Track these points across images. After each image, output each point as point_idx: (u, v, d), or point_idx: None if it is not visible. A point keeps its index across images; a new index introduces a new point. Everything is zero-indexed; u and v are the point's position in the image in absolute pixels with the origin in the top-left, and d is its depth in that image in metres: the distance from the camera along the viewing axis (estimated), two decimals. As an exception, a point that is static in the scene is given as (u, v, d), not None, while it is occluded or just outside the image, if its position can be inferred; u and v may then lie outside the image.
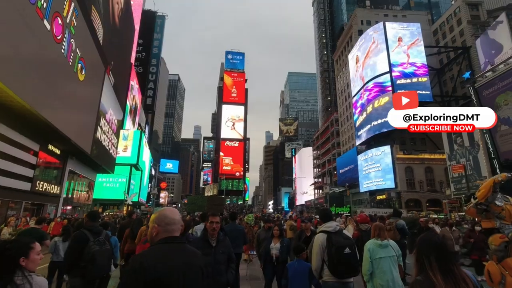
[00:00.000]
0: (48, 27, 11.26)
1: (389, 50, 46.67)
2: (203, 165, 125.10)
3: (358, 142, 53.97)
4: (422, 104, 48.19)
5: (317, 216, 20.59)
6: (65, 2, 12.70)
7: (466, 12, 51.37)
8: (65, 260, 3.79)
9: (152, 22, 79.92)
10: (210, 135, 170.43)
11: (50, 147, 15.83)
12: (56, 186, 17.03)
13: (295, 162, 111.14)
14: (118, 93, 28.33)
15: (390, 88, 45.25)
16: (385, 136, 48.59)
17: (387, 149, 45.29)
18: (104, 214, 31.40)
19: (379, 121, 46.00)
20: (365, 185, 49.86)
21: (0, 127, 11.27)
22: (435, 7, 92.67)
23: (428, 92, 45.44)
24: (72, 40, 13.90)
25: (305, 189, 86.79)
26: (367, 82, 49.61)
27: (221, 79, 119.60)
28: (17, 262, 1.82)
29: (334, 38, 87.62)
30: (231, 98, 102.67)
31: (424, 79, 46.03)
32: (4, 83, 9.03)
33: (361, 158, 51.51)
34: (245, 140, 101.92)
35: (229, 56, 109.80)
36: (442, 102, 51.94)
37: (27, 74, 10.41)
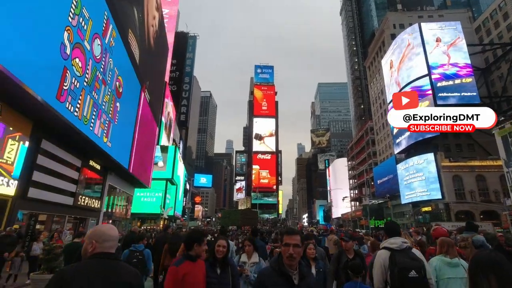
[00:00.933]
0: (88, 47, 11.83)
1: (427, 52, 44.12)
2: (236, 179, 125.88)
3: (396, 151, 50.93)
4: (472, 105, 44.56)
5: (360, 231, 19.30)
6: (104, 24, 13.39)
7: (512, 5, 47.39)
8: None
9: (184, 43, 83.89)
10: (242, 148, 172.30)
11: (91, 162, 16.52)
12: (96, 201, 17.65)
13: (329, 174, 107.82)
14: (154, 110, 29.44)
15: (430, 92, 42.47)
16: (426, 143, 45.34)
17: (430, 156, 42.09)
18: (142, 228, 32.22)
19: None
20: (407, 196, 46.49)
21: (47, 145, 11.88)
22: (474, 4, 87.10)
23: (475, 94, 41.92)
24: (110, 60, 14.57)
25: (341, 201, 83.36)
26: (404, 87, 47.07)
27: (251, 93, 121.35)
28: None
29: (365, 44, 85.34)
30: (262, 111, 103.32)
31: (469, 79, 42.64)
32: (52, 105, 9.48)
33: (401, 167, 48.38)
34: (277, 153, 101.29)
35: (259, 70, 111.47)
36: (491, 103, 47.61)
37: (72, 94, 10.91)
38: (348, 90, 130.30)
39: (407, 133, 46.74)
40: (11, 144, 9.73)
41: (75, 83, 11.05)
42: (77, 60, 10.99)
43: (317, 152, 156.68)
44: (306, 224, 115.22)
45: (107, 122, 14.93)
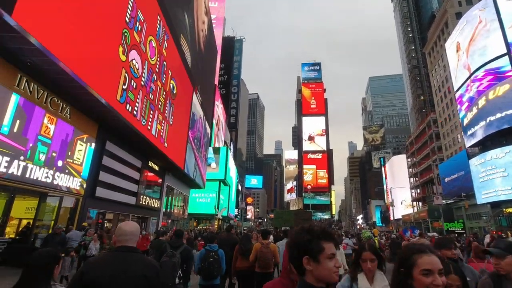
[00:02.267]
0: (144, 49, 12.07)
1: (505, 27, 38.14)
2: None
3: (468, 144, 44.93)
4: None
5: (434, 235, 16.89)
6: (158, 27, 13.65)
7: None
8: None
9: (231, 47, 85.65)
10: (291, 148, 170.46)
11: (150, 163, 17.10)
12: (156, 200, 18.25)
13: (385, 172, 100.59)
14: (205, 112, 30.06)
15: (511, 73, 36.59)
16: (506, 134, 39.09)
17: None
18: (198, 228, 33.06)
19: (498, 115, 37.39)
20: (484, 196, 40.55)
21: (111, 146, 12.41)
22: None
23: None
24: (164, 62, 14.87)
25: (401, 201, 76.83)
26: (476, 71, 41.34)
27: (299, 91, 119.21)
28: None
29: (423, 30, 77.63)
30: (311, 110, 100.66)
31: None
32: (113, 105, 9.74)
33: (475, 162, 42.48)
34: (328, 151, 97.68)
35: (306, 68, 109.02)
36: None
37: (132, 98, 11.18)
38: (403, 82, 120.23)
39: (482, 123, 40.93)
40: (80, 145, 10.23)
41: (133, 84, 11.30)
42: (134, 61, 11.23)
43: (370, 150, 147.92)
44: (362, 224, 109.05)
45: (163, 122, 15.26)
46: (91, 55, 8.67)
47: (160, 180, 19.34)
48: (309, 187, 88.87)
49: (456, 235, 31.79)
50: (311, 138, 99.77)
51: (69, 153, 9.74)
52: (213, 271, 5.10)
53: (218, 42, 54.66)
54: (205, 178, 30.74)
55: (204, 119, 29.07)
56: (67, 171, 9.66)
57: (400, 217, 73.49)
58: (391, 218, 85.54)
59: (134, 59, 11.29)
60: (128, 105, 10.99)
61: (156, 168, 18.25)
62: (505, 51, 37.68)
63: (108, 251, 1.99)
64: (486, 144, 42.34)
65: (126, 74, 10.63)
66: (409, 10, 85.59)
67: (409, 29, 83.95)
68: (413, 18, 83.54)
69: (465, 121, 45.26)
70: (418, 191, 69.18)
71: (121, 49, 10.15)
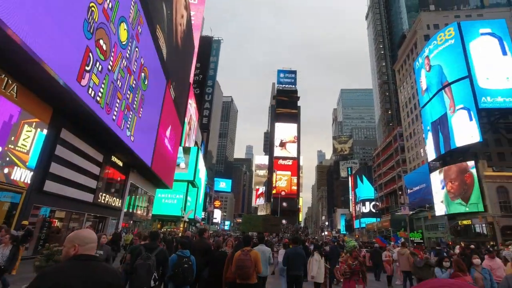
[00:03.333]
0: (114, 30, 10.88)
1: (469, 51, 41.01)
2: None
3: (430, 158, 47.49)
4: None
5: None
6: (131, 9, 12.48)
7: None
8: (123, 269, 4.91)
9: (208, 47, 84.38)
10: (262, 154, 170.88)
11: (114, 158, 15.62)
12: (117, 199, 16.71)
13: (352, 182, 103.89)
14: (178, 109, 28.69)
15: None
16: (464, 151, 41.85)
17: (470, 165, 38.62)
18: (162, 230, 31.37)
19: (458, 132, 39.95)
20: (442, 208, 42.91)
21: (68, 135, 10.96)
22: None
23: (522, 98, 38.25)
24: (137, 48, 13.66)
25: (365, 211, 79.53)
26: (443, 88, 43.96)
27: (273, 98, 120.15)
28: None
29: (393, 48, 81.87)
30: (284, 117, 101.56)
31: (515, 82, 39.04)
32: (73, 88, 8.48)
33: (435, 176, 44.91)
34: (298, 159, 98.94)
35: (281, 75, 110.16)
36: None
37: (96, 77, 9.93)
38: (373, 96, 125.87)
39: (441, 140, 43.46)
40: (27, 131, 8.79)
41: (98, 67, 10.06)
42: (101, 41, 10.01)
43: (339, 160, 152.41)
44: (325, 233, 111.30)
45: (131, 114, 13.96)
46: (48, 27, 7.42)
47: (123, 177, 17.80)
48: (283, 193, 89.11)
49: (416, 244, 32.98)
50: (282, 144, 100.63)
51: (12, 138, 8.27)
52: (188, 277, 5.00)
53: (196, 40, 53.27)
54: (173, 178, 29.22)
55: (177, 116, 27.70)
56: (8, 159, 8.19)
57: (364, 225, 75.82)
58: (355, 226, 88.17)
59: (102, 39, 10.06)
60: (90, 89, 9.72)
61: (120, 164, 16.76)
62: (466, 74, 40.45)
63: (73, 260, 1.81)
64: (446, 159, 44.99)
65: (90, 54, 9.40)
66: (382, 28, 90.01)
67: (381, 46, 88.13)
68: (385, 36, 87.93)
69: (429, 137, 47.84)
70: (381, 201, 72.03)
71: (86, 25, 8.93)
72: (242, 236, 7.05)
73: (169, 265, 4.98)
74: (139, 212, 23.02)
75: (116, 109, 12.01)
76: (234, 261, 4.92)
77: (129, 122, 13.83)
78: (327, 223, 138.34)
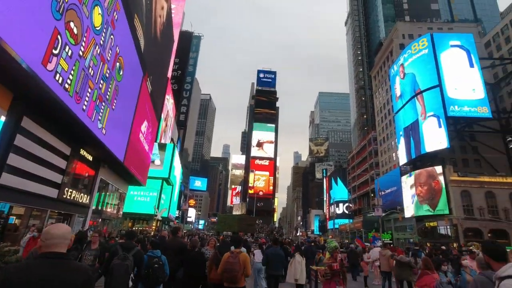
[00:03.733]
0: (87, 13, 10.09)
1: (440, 62, 43.09)
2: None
3: (402, 162, 49.46)
4: (482, 120, 43.38)
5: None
6: (107, -8, 11.68)
7: (525, 21, 46.78)
8: (100, 269, 4.60)
9: (188, 42, 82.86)
10: (239, 153, 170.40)
11: (82, 152, 14.59)
12: (85, 196, 15.67)
13: (327, 184, 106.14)
14: (155, 104, 27.65)
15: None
16: (433, 156, 44.03)
17: (438, 169, 40.62)
18: (133, 229, 30.17)
19: (428, 138, 41.86)
20: (410, 210, 44.84)
21: (30, 124, 10.01)
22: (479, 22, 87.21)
23: (486, 109, 40.77)
24: (112, 36, 12.82)
25: (338, 212, 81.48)
26: (416, 95, 45.88)
27: (252, 97, 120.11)
28: None
29: (371, 55, 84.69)
30: (262, 117, 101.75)
31: (481, 94, 41.59)
32: (37, 72, 7.68)
33: (405, 179, 46.87)
34: (275, 159, 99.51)
35: (261, 75, 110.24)
36: (499, 118, 46.61)
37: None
38: (349, 101, 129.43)
39: (412, 145, 45.41)
40: (-19, 117, 7.88)
41: (68, 51, 9.24)
42: (72, 24, 9.21)
43: (314, 161, 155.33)
44: (299, 233, 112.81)
45: (103, 105, 13.09)
46: (10, 4, 6.64)
47: (92, 173, 16.74)
48: (261, 193, 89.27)
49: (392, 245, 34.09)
50: (260, 145, 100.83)
51: (-37, 125, 7.38)
52: (159, 277, 4.94)
53: (175, 34, 51.90)
54: (147, 175, 28.09)
55: (153, 110, 26.66)
56: (-43, 148, 7.28)
57: (338, 226, 77.59)
58: (328, 227, 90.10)
59: (73, 21, 9.26)
60: (58, 75, 8.90)
61: (90, 158, 15.70)
62: (437, 83, 42.50)
63: (38, 258, 1.70)
64: (416, 164, 47.09)
65: (59, 37, 8.59)
66: (360, 35, 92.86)
67: (359, 52, 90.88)
68: (363, 43, 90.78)
69: (401, 142, 49.81)
70: (354, 203, 74.11)
71: (54, 4, 8.15)
72: (231, 236, 7.00)
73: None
74: (109, 209, 21.87)
75: (87, 98, 11.16)
76: (222, 264, 4.75)
77: (101, 114, 12.97)
78: (302, 223, 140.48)
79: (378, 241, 19.09)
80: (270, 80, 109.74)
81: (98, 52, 11.63)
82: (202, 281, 5.55)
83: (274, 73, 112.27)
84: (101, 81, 12.56)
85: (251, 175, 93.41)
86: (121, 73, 14.85)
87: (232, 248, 5.07)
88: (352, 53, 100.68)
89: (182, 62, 77.38)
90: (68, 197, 13.56)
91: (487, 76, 49.62)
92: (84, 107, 11.14)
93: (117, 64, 14.16)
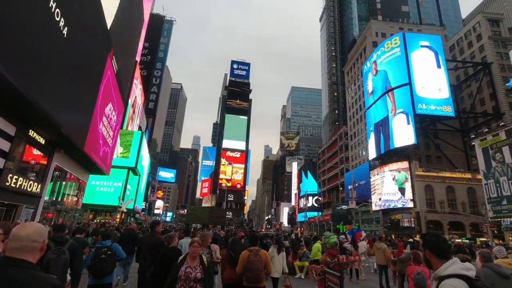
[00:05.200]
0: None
1: (410, 61, 44.49)
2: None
3: (370, 157, 50.94)
4: (445, 119, 45.71)
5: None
6: None
7: (486, 27, 49.72)
8: None
9: (159, 26, 78.77)
10: (210, 145, 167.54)
11: (32, 133, 12.52)
12: (36, 184, 13.60)
13: (297, 177, 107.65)
14: (120, 87, 25.30)
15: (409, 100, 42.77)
16: (399, 152, 45.78)
17: (404, 165, 42.23)
18: (95, 221, 27.82)
19: (397, 134, 43.29)
20: (377, 203, 46.44)
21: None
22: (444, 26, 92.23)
23: (450, 108, 42.90)
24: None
25: (308, 205, 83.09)
26: (387, 92, 47.13)
27: (225, 88, 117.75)
28: None
29: (344, 51, 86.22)
30: (235, 109, 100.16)
31: (446, 94, 43.64)
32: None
33: (374, 173, 48.36)
34: (247, 151, 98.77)
35: (235, 66, 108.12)
36: (459, 118, 49.53)
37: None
38: (321, 96, 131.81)
39: (382, 141, 46.84)
40: None
41: None
42: None
43: (285, 155, 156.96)
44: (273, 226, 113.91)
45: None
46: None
47: (45, 158, 14.63)
48: (238, 185, 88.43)
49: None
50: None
51: None
52: (106, 267, 5.02)
53: (146, 14, 48.57)
54: (110, 164, 25.83)
55: (119, 93, 24.35)
56: None
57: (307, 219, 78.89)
58: (297, 219, 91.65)
59: None
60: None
61: (41, 141, 13.59)
62: (407, 81, 43.93)
63: None
64: (384, 159, 48.71)
65: None
66: (334, 31, 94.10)
67: (332, 48, 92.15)
68: (337, 39, 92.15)
69: (370, 137, 51.17)
70: (323, 196, 75.80)
71: None
72: (249, 233, 6.61)
73: (83, 259, 4.92)
74: (66, 200, 19.65)
75: (32, 66, 9.30)
76: (243, 263, 4.56)
77: (54, 88, 11.07)
78: (275, 216, 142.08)
79: (354, 232, 18.90)
80: (244, 71, 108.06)
81: None
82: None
83: (248, 64, 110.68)
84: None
85: (229, 168, 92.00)
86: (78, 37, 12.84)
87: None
88: (326, 49, 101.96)
89: (152, 48, 73.44)
90: (13, 185, 11.56)
91: (450, 78, 52.25)
92: (32, 81, 9.29)
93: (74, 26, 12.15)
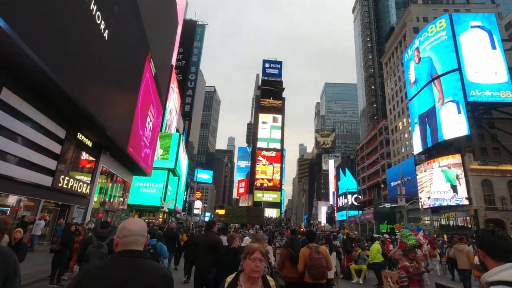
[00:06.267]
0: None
1: (459, 44, 40.64)
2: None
3: (416, 151, 47.41)
4: (505, 105, 41.05)
5: (386, 236, 16.12)
6: None
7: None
8: (77, 258, 5.23)
9: (192, 31, 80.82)
10: (245, 145, 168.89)
11: (80, 136, 13.07)
12: (85, 185, 14.22)
13: (334, 175, 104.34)
14: (159, 89, 26.01)
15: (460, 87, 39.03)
16: (448, 145, 41.96)
17: (456, 159, 38.57)
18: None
19: (446, 125, 39.76)
20: (426, 202, 42.99)
21: (13, 99, 8.44)
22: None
23: (510, 93, 38.40)
24: None
25: (347, 204, 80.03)
26: (432, 80, 43.54)
27: (258, 88, 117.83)
28: None
29: (381, 41, 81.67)
30: (268, 108, 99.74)
31: (504, 78, 39.16)
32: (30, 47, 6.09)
33: (420, 170, 44.89)
34: (282, 150, 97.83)
35: (267, 65, 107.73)
36: (520, 105, 44.10)
37: (48, 31, 7.49)
38: (356, 91, 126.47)
39: (428, 133, 43.31)
40: None
41: (53, 5, 7.60)
42: None
43: (321, 153, 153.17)
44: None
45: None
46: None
47: (93, 160, 15.30)
48: (260, 184, 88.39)
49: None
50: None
51: None
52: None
53: (179, 25, 49.97)
54: (152, 165, 26.72)
55: (158, 96, 25.04)
56: None
57: (347, 218, 76.05)
58: (336, 219, 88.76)
59: None
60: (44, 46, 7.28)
61: (89, 143, 14.22)
62: (456, 66, 40.11)
63: (114, 257, 1.60)
64: (431, 153, 45.02)
65: None
66: (369, 21, 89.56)
67: (368, 39, 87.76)
68: (373, 29, 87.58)
69: (415, 130, 47.66)
70: (363, 194, 72.40)
71: None
72: (307, 231, 6.51)
73: None
74: (113, 200, 20.55)
75: (81, 73, 9.55)
76: (306, 260, 4.58)
77: (101, 95, 11.38)
78: (316, 215, 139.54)
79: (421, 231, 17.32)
80: (276, 70, 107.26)
81: (93, 9, 9.94)
82: None
83: (280, 63, 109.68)
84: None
85: (269, 167, 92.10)
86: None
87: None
88: (360, 41, 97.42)
89: (186, 52, 75.55)
90: (65, 186, 12.11)
91: (508, 60, 46.93)
92: (82, 88, 9.51)
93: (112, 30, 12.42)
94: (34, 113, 9.46)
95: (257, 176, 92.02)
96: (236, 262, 3.75)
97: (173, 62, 46.34)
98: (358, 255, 8.50)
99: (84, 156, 14.25)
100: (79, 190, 13.38)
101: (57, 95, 9.14)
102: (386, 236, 17.40)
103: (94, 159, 15.33)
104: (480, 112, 43.33)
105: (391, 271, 4.75)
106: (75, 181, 12.88)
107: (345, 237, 12.41)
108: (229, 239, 4.79)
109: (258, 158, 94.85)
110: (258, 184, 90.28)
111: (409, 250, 4.41)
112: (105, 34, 10.76)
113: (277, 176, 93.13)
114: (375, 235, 18.47)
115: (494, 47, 40.41)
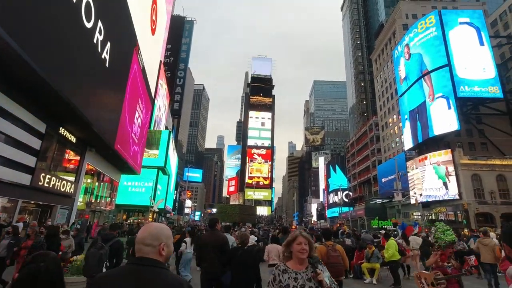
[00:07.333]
0: None
1: (448, 40, 40.95)
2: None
3: (407, 147, 47.74)
4: (492, 101, 41.73)
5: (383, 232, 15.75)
6: None
7: (534, -2, 44.70)
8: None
9: (180, 27, 79.16)
10: (234, 143, 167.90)
11: (63, 131, 12.05)
12: (69, 184, 13.19)
13: (324, 172, 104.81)
14: (147, 83, 24.95)
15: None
16: (438, 140, 42.39)
17: (448, 155, 38.91)
18: (128, 221, 27.77)
19: (436, 121, 40.07)
20: (418, 198, 43.28)
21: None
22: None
23: (497, 88, 38.98)
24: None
25: (337, 200, 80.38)
26: (423, 76, 43.82)
27: (247, 85, 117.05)
28: None
29: (370, 39, 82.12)
30: (258, 105, 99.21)
31: (492, 74, 39.72)
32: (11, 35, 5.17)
33: (411, 164, 45.20)
34: (272, 148, 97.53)
35: (256, 62, 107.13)
36: (506, 100, 44.94)
37: (31, 24, 6.58)
38: (345, 89, 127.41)
39: (419, 129, 43.63)
40: None
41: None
42: None
43: (310, 150, 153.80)
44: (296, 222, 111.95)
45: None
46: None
47: (77, 157, 14.26)
48: (251, 182, 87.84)
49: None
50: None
51: None
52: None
53: (166, 21, 48.56)
54: (141, 163, 25.64)
55: (146, 91, 24.02)
56: None
57: (338, 214, 76.41)
58: (327, 215, 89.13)
59: None
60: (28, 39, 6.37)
61: (72, 139, 13.19)
62: (446, 62, 40.44)
63: (128, 264, 1.54)
64: (422, 149, 45.39)
65: None
66: (359, 18, 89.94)
67: (357, 36, 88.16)
68: (362, 27, 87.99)
69: (406, 126, 47.96)
70: (354, 191, 72.85)
71: None
72: (322, 229, 6.51)
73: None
74: (99, 200, 19.47)
75: (63, 65, 8.61)
76: (321, 257, 4.19)
77: (86, 86, 10.42)
78: (311, 211, 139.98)
79: (417, 226, 17.02)
80: (265, 67, 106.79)
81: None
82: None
83: (270, 60, 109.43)
84: (80, 35, 9.97)
85: (265, 166, 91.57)
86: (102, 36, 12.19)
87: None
88: (350, 38, 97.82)
89: (174, 49, 73.90)
90: (46, 185, 11.10)
91: (494, 56, 47.79)
92: (64, 79, 8.58)
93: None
94: (10, 104, 8.47)
95: (252, 175, 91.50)
96: (255, 264, 3.20)
97: (162, 57, 45.03)
98: (371, 252, 7.93)
99: (68, 152, 13.22)
100: (62, 189, 12.36)
101: (37, 84, 8.18)
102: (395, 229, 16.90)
103: (79, 156, 14.29)
104: (468, 108, 43.94)
105: (425, 272, 4.19)
106: (57, 179, 11.87)
107: (346, 234, 11.89)
108: (243, 238, 4.12)
109: (254, 156, 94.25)
110: (254, 183, 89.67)
111: (445, 247, 3.83)
112: (89, 20, 9.82)
113: (267, 174, 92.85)
114: (381, 231, 17.88)
115: (482, 44, 40.96)
